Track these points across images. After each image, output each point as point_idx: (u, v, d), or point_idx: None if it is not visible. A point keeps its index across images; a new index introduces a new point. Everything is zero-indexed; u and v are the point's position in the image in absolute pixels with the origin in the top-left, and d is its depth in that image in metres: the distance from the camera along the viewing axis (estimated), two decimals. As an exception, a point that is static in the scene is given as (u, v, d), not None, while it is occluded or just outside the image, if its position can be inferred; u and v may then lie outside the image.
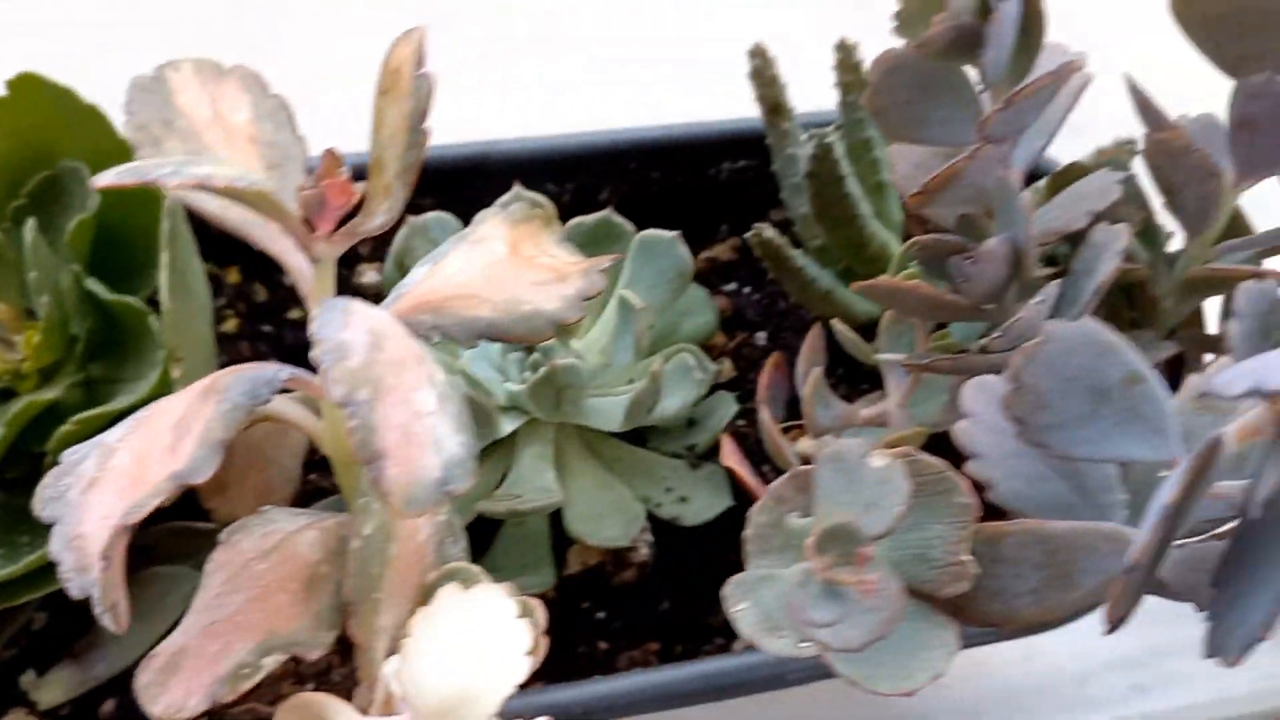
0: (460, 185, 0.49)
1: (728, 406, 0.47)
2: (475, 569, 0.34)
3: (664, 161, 0.51)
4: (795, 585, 0.25)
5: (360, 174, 0.32)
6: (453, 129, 0.49)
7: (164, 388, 0.35)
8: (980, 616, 0.33)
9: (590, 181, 0.51)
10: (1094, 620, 0.70)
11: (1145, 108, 0.40)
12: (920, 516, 0.32)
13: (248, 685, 0.30)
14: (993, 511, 0.35)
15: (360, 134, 0.33)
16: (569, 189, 0.51)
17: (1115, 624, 0.26)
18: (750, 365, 0.52)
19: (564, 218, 0.47)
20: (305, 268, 0.31)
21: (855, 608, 0.25)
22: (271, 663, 0.31)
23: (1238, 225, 0.44)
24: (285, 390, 0.32)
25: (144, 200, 0.38)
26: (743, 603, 0.30)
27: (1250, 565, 0.26)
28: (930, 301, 0.37)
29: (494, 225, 0.37)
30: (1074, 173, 0.42)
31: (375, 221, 0.31)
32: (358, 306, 0.29)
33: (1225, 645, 0.25)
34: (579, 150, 0.50)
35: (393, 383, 0.27)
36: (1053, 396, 0.29)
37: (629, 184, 0.52)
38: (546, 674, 0.43)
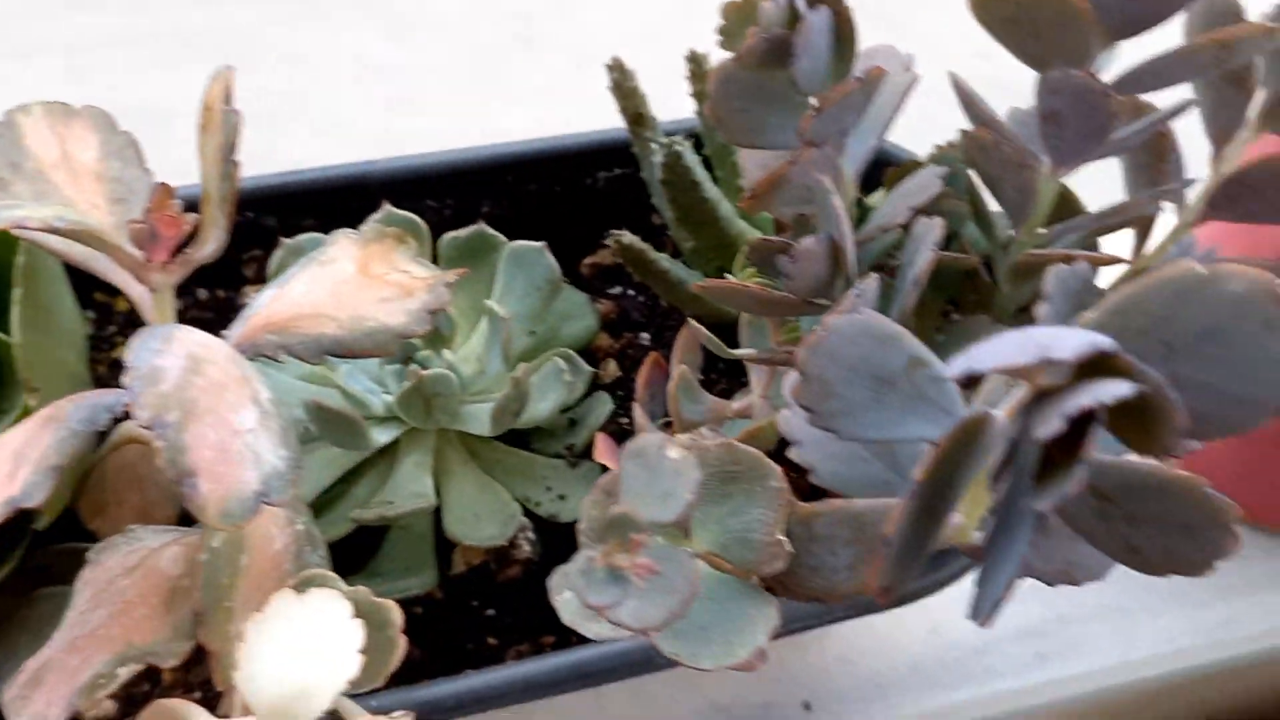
0: (339, 206, 0.51)
1: (604, 406, 0.49)
2: (331, 575, 0.36)
3: (540, 174, 0.53)
4: (578, 572, 0.27)
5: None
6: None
7: (26, 417, 0.36)
8: (806, 592, 0.35)
9: (470, 197, 0.53)
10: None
11: (969, 103, 0.42)
12: (741, 502, 0.34)
13: (104, 694, 0.32)
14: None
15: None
16: (449, 205, 0.53)
17: (882, 595, 0.28)
18: (635, 365, 0.53)
19: (446, 232, 0.49)
20: (145, 297, 0.33)
21: (634, 590, 0.27)
22: (127, 672, 0.33)
23: (1072, 208, 0.46)
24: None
25: (10, 239, 0.40)
26: (566, 592, 0.32)
27: (997, 534, 0.28)
28: (761, 299, 0.39)
29: (342, 246, 0.38)
30: (907, 169, 0.44)
31: (207, 249, 0.33)
32: (182, 333, 0.31)
33: (980, 608, 0.27)
34: (455, 166, 0.52)
35: (208, 404, 0.28)
36: (837, 385, 0.31)
37: (508, 197, 0.53)
38: (433, 671, 0.45)
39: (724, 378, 0.54)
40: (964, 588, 0.41)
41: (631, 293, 0.56)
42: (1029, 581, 0.73)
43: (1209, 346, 0.27)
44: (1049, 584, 0.37)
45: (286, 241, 0.47)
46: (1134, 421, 0.26)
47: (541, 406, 0.46)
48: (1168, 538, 0.30)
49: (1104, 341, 0.25)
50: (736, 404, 0.48)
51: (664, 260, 0.48)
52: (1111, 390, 0.24)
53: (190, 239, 0.34)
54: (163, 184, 0.33)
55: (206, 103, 0.31)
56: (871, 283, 0.38)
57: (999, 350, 0.24)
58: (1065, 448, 0.25)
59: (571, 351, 0.49)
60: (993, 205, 0.45)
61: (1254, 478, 0.68)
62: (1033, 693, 0.64)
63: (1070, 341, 0.24)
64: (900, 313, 0.39)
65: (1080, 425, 0.24)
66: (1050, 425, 0.24)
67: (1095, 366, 0.25)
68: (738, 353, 0.44)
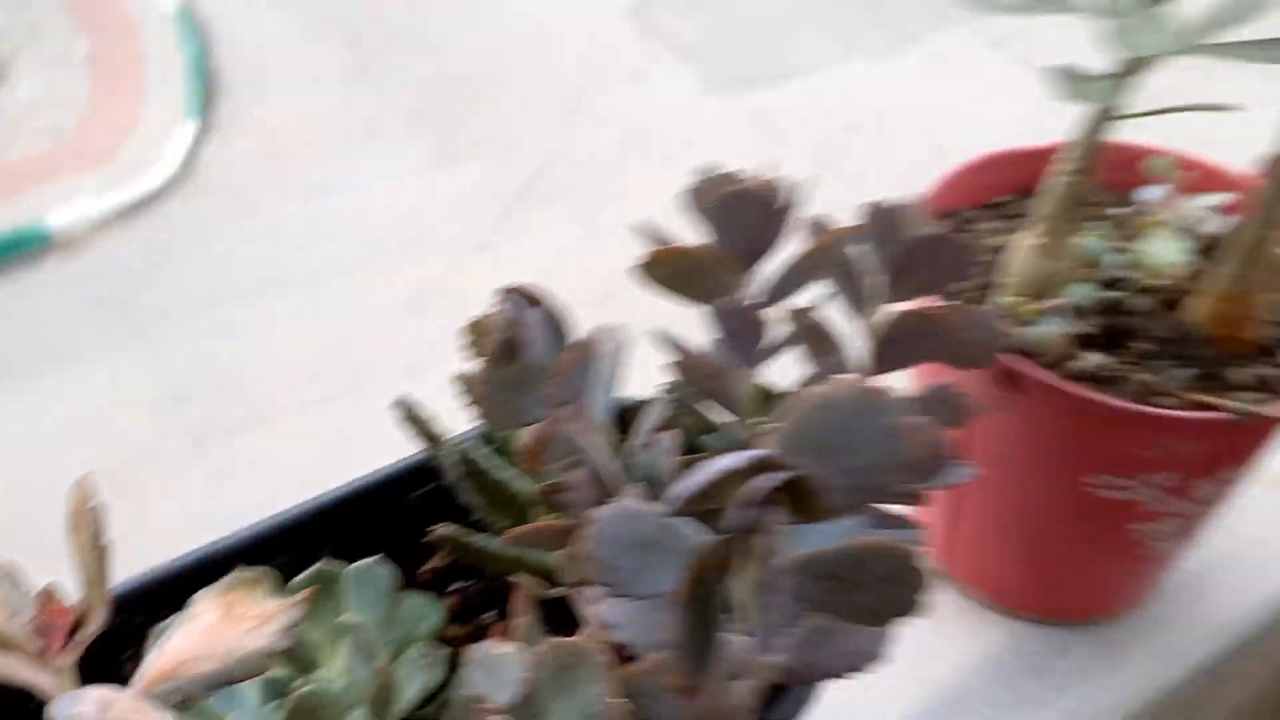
0: (197, 587, 0.57)
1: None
2: None
3: (362, 508, 0.62)
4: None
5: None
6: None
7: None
8: (659, 747, 0.42)
9: (308, 542, 0.61)
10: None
11: (668, 342, 0.55)
12: (581, 686, 0.42)
13: None
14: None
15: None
16: (293, 552, 0.61)
17: (687, 694, 0.36)
18: (490, 643, 0.61)
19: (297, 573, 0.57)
20: (50, 682, 0.39)
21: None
22: None
23: (772, 396, 0.58)
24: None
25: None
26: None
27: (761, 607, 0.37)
28: (556, 534, 0.49)
29: (205, 601, 0.46)
30: (641, 406, 0.55)
31: (93, 626, 0.40)
32: (87, 690, 0.37)
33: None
34: (286, 525, 0.60)
35: (122, 731, 0.35)
36: (616, 558, 0.40)
37: (343, 532, 0.62)
38: None
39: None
40: None
41: (469, 583, 0.64)
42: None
43: (845, 438, 0.38)
44: (840, 677, 0.45)
45: (158, 628, 0.53)
46: (803, 500, 0.36)
47: (410, 693, 0.52)
48: (883, 591, 0.40)
49: (761, 451, 0.36)
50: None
51: (480, 539, 0.57)
52: (770, 479, 0.34)
53: (77, 626, 0.41)
54: (47, 590, 0.40)
55: (74, 508, 0.39)
56: (633, 489, 0.48)
57: (693, 476, 0.35)
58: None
59: (430, 643, 0.56)
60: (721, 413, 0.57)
61: (1036, 580, 0.79)
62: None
63: (740, 457, 0.35)
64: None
65: (761, 512, 0.34)
66: (738, 516, 0.34)
67: (762, 469, 0.36)
68: (554, 592, 0.52)
